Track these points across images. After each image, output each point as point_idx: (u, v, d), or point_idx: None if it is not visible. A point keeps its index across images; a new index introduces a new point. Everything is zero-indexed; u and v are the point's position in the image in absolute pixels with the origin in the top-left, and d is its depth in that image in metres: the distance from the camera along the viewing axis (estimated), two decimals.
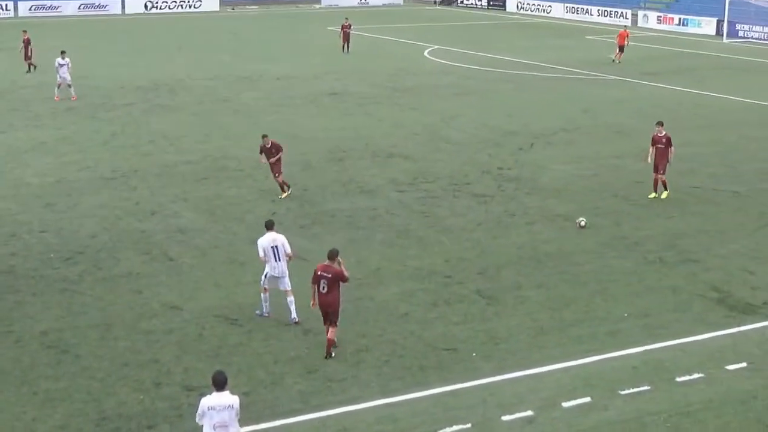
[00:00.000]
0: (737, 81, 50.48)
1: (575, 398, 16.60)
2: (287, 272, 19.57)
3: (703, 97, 45.49)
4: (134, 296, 20.91)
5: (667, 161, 28.39)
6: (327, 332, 18.19)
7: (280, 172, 28.30)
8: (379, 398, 16.61)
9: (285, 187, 28.51)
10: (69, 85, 43.16)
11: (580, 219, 25.88)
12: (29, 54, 50.72)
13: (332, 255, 18.25)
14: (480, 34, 71.62)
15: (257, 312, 20.00)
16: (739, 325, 19.77)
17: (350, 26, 60.61)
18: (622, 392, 16.81)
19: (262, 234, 19.72)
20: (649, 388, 16.98)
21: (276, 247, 19.46)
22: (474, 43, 64.77)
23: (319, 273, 18.10)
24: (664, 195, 28.61)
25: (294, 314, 19.55)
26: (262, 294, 19.88)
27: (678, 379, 17.29)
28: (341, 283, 18.16)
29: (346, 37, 59.82)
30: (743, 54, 62.12)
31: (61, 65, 43.02)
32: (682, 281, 22.15)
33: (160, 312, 20.13)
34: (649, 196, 28.67)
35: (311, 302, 18.40)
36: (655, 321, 19.93)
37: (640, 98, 45.03)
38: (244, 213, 26.80)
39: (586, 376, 17.46)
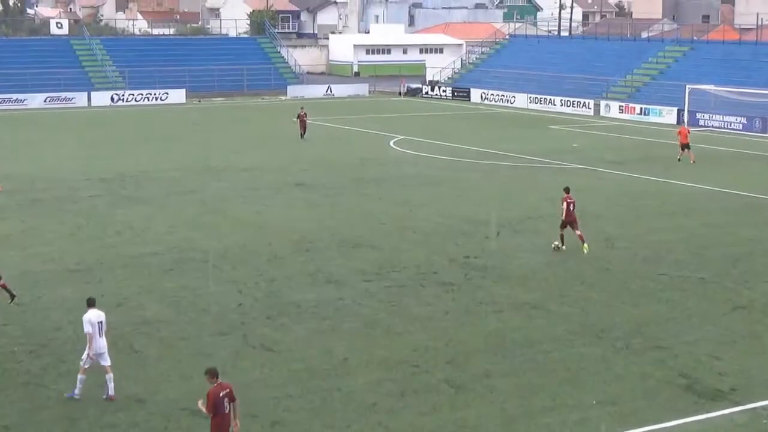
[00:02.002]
0: (699, 169, 51.05)
1: None
2: (107, 348, 20.10)
3: (666, 185, 45.97)
4: (99, 390, 20.60)
5: (575, 219, 32.31)
6: None
7: None
8: None
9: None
10: None
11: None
12: None
13: (217, 372, 16.84)
14: (445, 125, 72.30)
15: (69, 395, 20.07)
16: (707, 412, 19.74)
17: (306, 114, 62.90)
18: None
19: (89, 312, 20.19)
20: None
21: (101, 322, 20.09)
22: (439, 134, 65.34)
23: (221, 395, 16.52)
24: (586, 249, 32.05)
25: (111, 391, 19.96)
26: (81, 375, 20.03)
27: None
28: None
29: (303, 125, 62.16)
30: (704, 142, 62.89)
31: None
32: (650, 368, 22.14)
33: (124, 405, 19.86)
34: (554, 243, 32.58)
35: None
36: (623, 408, 19.87)
37: (605, 186, 45.45)
38: (210, 304, 26.65)
39: None
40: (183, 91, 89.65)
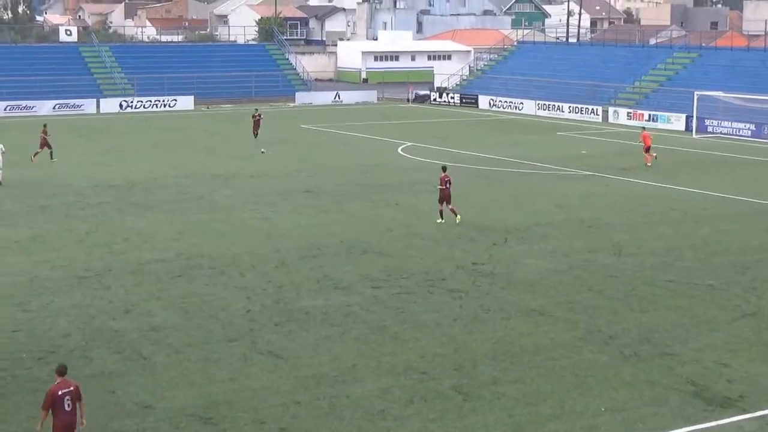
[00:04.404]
0: (707, 175, 51.04)
1: None
2: None
3: (674, 192, 45.91)
4: (107, 396, 20.66)
5: (449, 195, 37.30)
6: None
7: None
8: None
9: None
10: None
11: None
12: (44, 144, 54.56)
13: (65, 370, 17.06)
14: (453, 131, 72.31)
15: None
16: (716, 419, 19.70)
17: (260, 116, 66.32)
18: None
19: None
20: None
21: None
22: (447, 140, 65.37)
23: (60, 393, 16.63)
24: (458, 219, 37.32)
25: None
26: None
27: None
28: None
29: (257, 125, 65.20)
30: (713, 149, 62.94)
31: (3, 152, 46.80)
32: (658, 375, 22.11)
33: (133, 412, 19.88)
34: (437, 221, 37.53)
35: (38, 427, 16.97)
36: (632, 415, 19.84)
37: (613, 193, 45.41)
38: (218, 311, 26.67)
39: None
40: (191, 98, 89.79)
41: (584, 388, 21.28)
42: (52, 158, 54.66)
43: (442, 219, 37.58)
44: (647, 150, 53.97)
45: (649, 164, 53.57)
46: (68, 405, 16.70)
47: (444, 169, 38.26)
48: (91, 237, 35.56)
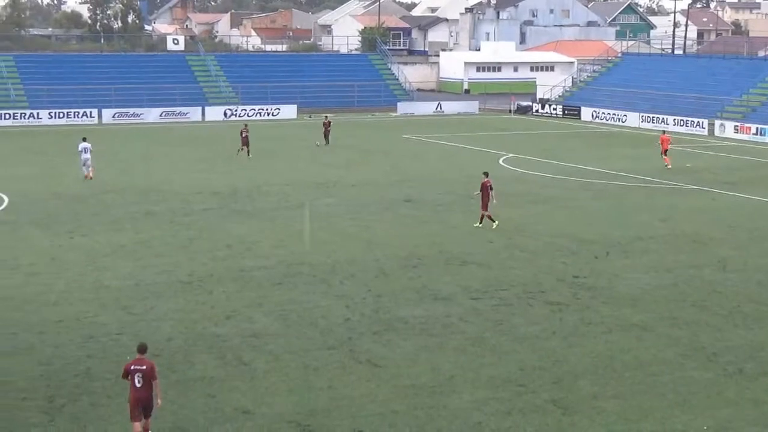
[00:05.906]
0: None
1: None
2: None
3: None
4: (207, 400, 20.95)
5: (489, 201, 38.27)
6: (136, 427, 18.33)
7: None
8: None
9: None
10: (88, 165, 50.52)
11: None
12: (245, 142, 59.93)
13: (143, 349, 18.58)
14: (555, 143, 71.80)
15: None
16: None
17: (330, 123, 68.22)
18: None
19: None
20: None
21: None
22: (549, 152, 64.91)
23: (132, 367, 18.33)
24: (495, 225, 38.29)
25: None
26: None
27: None
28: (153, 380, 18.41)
29: (327, 133, 67.22)
30: None
31: (88, 149, 50.35)
32: (763, 394, 21.63)
33: (232, 417, 20.12)
34: (474, 225, 38.73)
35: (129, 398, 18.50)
36: None
37: (719, 208, 44.60)
38: (317, 318, 26.85)
39: None
40: (294, 107, 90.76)
41: (686, 406, 20.92)
42: (249, 155, 59.52)
43: (481, 223, 38.65)
44: (665, 152, 56.96)
45: (670, 166, 56.28)
46: (139, 381, 18.16)
47: (486, 174, 39.04)
48: (195, 243, 36.10)
